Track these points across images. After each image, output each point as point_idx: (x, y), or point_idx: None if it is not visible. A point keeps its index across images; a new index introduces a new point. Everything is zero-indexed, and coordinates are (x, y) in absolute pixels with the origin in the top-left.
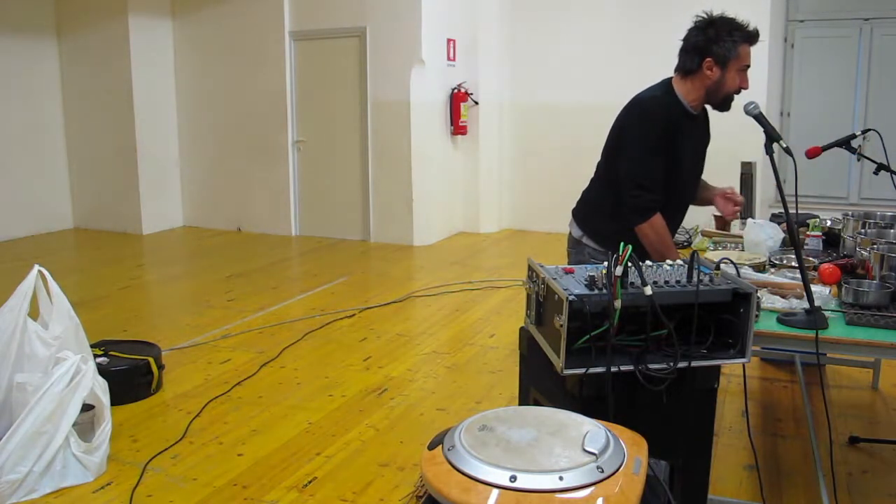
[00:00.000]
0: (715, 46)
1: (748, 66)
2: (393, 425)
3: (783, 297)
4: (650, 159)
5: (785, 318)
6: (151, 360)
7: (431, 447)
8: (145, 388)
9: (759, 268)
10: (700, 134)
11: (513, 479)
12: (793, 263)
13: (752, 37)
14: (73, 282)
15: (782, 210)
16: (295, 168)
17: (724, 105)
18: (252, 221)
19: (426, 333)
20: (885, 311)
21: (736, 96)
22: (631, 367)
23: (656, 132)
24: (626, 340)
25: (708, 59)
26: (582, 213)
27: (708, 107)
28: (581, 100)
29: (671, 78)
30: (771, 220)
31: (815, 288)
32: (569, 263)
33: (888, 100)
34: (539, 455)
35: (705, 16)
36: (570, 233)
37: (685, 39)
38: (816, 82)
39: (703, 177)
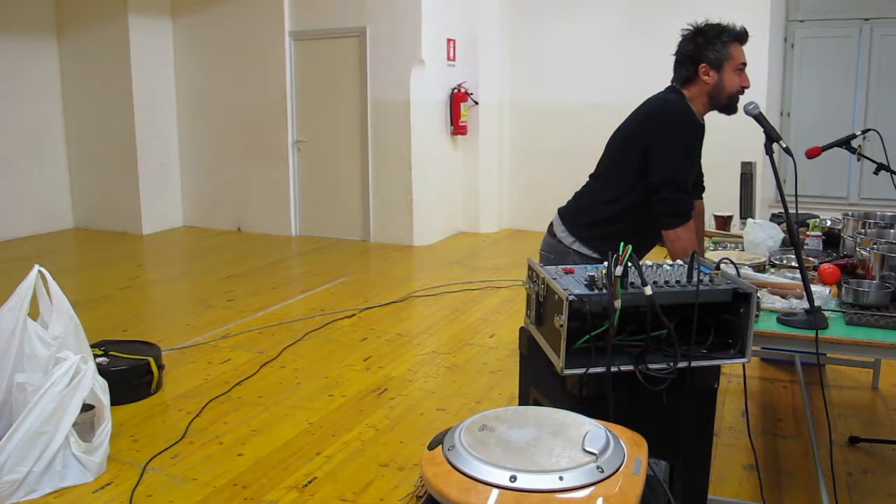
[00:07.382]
0: (706, 51)
1: (745, 65)
2: (393, 425)
3: (783, 297)
4: (687, 161)
5: (785, 318)
6: (151, 360)
7: (431, 447)
8: (145, 388)
9: (759, 268)
10: (702, 141)
11: (513, 479)
12: (793, 263)
13: (741, 35)
14: (73, 282)
15: (782, 210)
16: (295, 168)
17: (729, 107)
18: (252, 221)
19: (426, 333)
20: (885, 311)
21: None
22: (631, 367)
23: (691, 133)
24: (626, 340)
25: (702, 64)
26: (577, 219)
27: (710, 113)
28: (581, 100)
29: (674, 86)
30: (771, 220)
31: (815, 288)
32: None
33: (888, 100)
34: (539, 455)
35: (691, 27)
36: (560, 240)
37: (677, 52)
38: (816, 82)
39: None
